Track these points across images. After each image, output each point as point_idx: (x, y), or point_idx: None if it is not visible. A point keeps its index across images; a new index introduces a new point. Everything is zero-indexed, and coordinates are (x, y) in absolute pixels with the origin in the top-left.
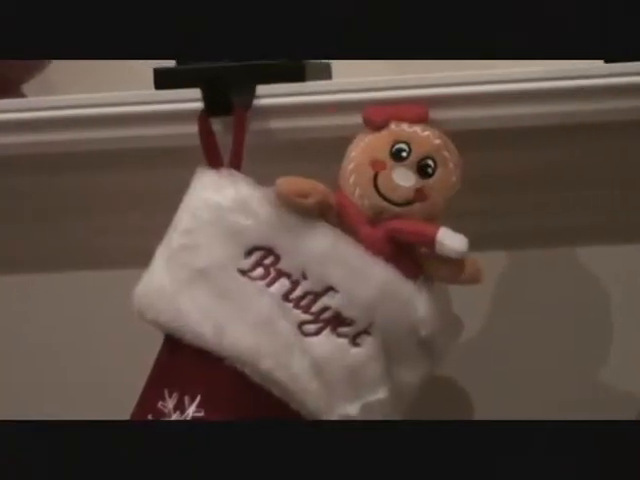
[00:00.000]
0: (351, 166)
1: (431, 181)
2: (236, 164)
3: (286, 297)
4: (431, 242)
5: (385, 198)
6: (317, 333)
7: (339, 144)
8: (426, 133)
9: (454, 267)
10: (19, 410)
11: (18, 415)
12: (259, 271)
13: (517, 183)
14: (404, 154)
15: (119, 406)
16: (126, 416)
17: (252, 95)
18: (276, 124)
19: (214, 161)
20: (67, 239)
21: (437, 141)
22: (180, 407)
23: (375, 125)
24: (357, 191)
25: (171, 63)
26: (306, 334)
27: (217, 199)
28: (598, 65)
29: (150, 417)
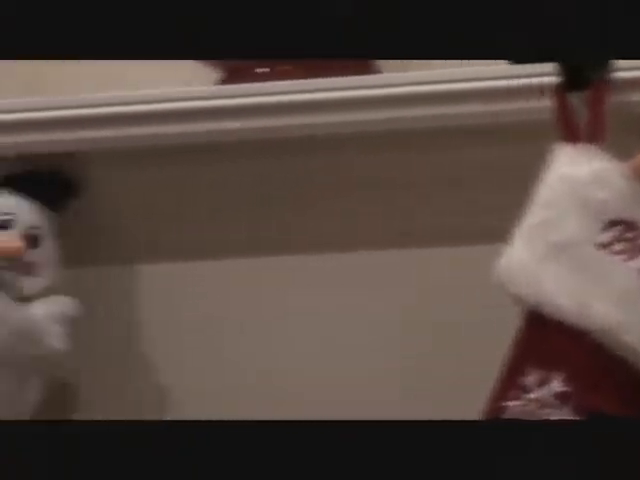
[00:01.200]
0: None
1: None
2: (596, 138)
3: None
4: None
5: None
6: None
7: None
8: None
9: None
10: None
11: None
12: (619, 245)
13: None
14: None
15: None
16: None
17: (609, 69)
18: (635, 97)
19: (571, 136)
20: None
21: None
22: (543, 383)
23: None
24: None
25: None
26: None
27: (573, 173)
28: None
29: (510, 393)
